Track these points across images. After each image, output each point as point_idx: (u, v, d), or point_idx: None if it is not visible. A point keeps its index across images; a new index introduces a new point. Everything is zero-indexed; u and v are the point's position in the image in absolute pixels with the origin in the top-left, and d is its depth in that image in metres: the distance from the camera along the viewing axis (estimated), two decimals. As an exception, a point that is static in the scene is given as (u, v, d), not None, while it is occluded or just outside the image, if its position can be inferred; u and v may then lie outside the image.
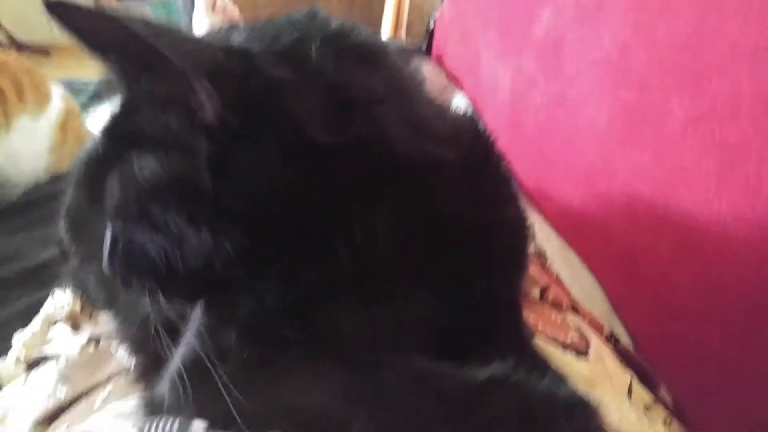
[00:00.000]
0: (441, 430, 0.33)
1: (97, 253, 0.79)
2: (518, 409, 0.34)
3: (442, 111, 0.52)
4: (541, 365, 0.48)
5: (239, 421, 0.36)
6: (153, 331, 0.54)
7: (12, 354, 0.76)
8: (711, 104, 0.79)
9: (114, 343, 0.70)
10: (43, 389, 0.67)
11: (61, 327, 0.76)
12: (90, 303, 0.82)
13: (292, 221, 0.42)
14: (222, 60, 0.41)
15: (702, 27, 0.81)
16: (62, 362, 0.68)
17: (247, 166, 0.41)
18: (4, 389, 0.73)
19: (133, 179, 0.43)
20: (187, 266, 0.42)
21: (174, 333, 0.51)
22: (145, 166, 0.42)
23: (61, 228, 0.90)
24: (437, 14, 2.01)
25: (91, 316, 0.80)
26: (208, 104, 0.40)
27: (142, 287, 0.46)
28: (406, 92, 0.48)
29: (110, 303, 0.72)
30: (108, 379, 0.62)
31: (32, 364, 0.73)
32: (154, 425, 0.38)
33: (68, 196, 0.88)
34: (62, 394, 0.65)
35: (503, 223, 0.52)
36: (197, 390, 0.41)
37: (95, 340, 0.72)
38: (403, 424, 0.34)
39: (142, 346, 0.61)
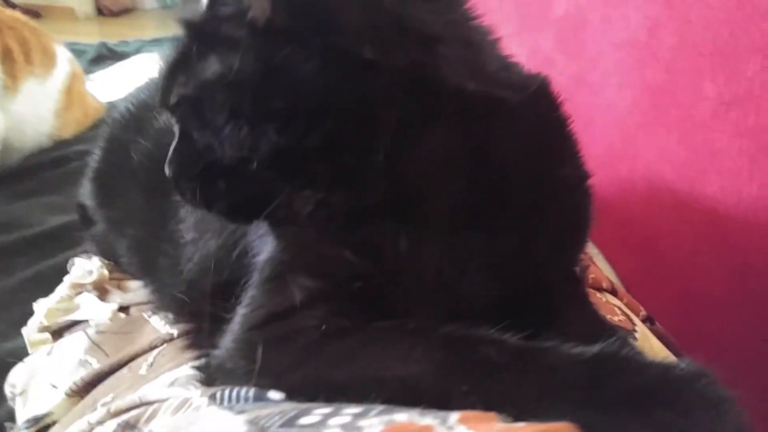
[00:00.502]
0: (561, 403, 0.32)
1: (132, 217, 0.78)
2: (644, 382, 0.33)
3: (510, 65, 0.51)
4: (626, 340, 0.48)
5: (323, 391, 0.36)
6: (207, 290, 0.55)
7: (35, 320, 0.74)
8: (747, 88, 0.78)
9: (148, 310, 0.69)
10: (71, 357, 0.65)
11: (87, 294, 0.74)
12: (120, 270, 0.80)
13: (327, 129, 0.43)
14: None
15: (741, 7, 0.80)
16: (92, 330, 0.67)
17: (289, 67, 0.43)
18: (27, 359, 0.71)
19: (193, 75, 0.46)
20: (227, 163, 0.45)
21: (228, 292, 0.51)
22: (204, 63, 0.45)
23: (85, 192, 0.88)
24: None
25: (119, 284, 0.78)
26: (257, 3, 0.42)
27: (190, 191, 0.49)
28: (471, 40, 0.48)
29: (146, 269, 0.72)
30: (151, 347, 0.61)
31: (57, 332, 0.72)
32: (227, 393, 0.37)
33: (96, 159, 0.87)
34: (94, 361, 0.63)
35: (565, 182, 0.51)
36: (270, 357, 0.40)
37: (125, 308, 0.71)
38: (516, 398, 0.33)
39: (189, 312, 0.60)
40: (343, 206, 0.46)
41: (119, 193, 0.79)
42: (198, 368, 0.47)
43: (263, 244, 0.51)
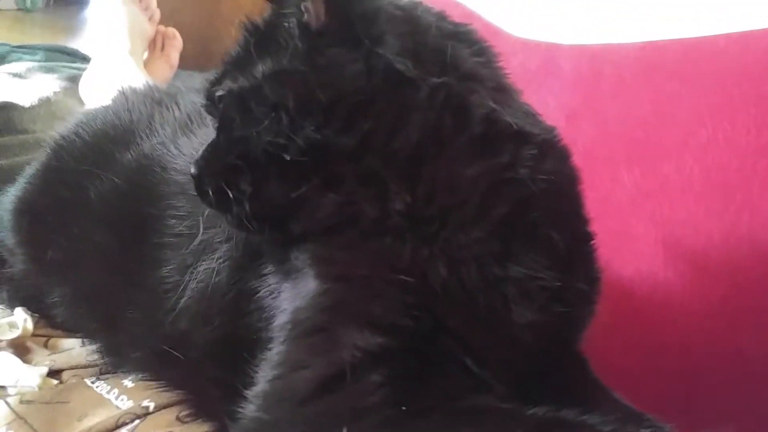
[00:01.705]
0: None
1: (84, 260, 0.67)
2: None
3: (536, 114, 0.55)
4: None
5: None
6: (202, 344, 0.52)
7: None
8: (662, 182, 0.88)
9: (89, 375, 0.59)
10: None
11: (3, 354, 0.61)
12: (47, 324, 0.68)
13: (363, 130, 0.46)
14: None
15: (657, 114, 0.91)
16: (14, 398, 0.55)
17: (336, 65, 0.47)
18: None
19: (246, 73, 0.50)
20: (259, 153, 0.47)
21: (230, 346, 0.50)
22: (259, 62, 0.50)
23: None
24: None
25: (47, 342, 0.66)
26: (313, 8, 0.48)
27: (212, 188, 0.50)
28: (503, 87, 0.53)
29: (102, 322, 0.63)
30: (117, 425, 0.51)
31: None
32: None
33: (22, 188, 0.74)
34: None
35: (585, 237, 0.54)
36: None
37: (56, 372, 0.60)
38: None
39: (181, 373, 0.54)
40: (368, 212, 0.47)
41: (61, 231, 0.69)
42: None
43: (286, 287, 0.49)
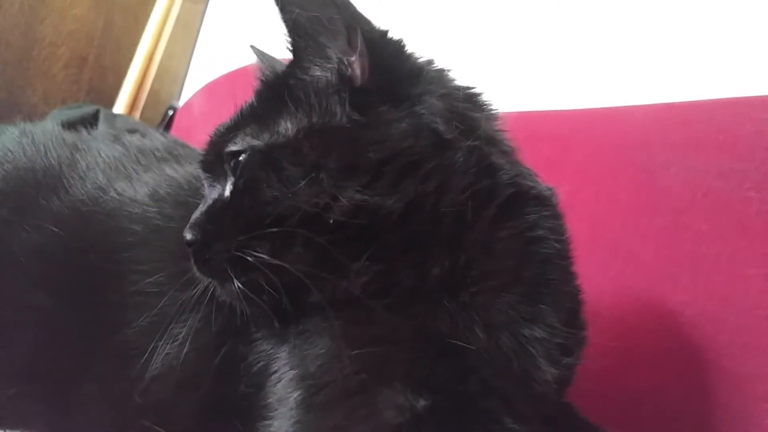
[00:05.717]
0: None
1: (18, 329, 0.50)
2: None
3: (534, 174, 0.56)
4: None
5: None
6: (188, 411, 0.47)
7: None
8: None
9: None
10: None
11: None
12: None
13: (411, 191, 0.45)
14: (378, 35, 0.48)
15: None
16: None
17: (385, 122, 0.46)
18: None
19: (266, 127, 0.46)
20: (295, 219, 0.43)
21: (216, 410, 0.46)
22: (282, 116, 0.47)
23: None
24: (178, 103, 1.94)
25: None
26: (359, 64, 0.46)
27: (218, 257, 0.44)
28: (508, 149, 0.54)
29: (48, 401, 0.51)
30: None
31: None
32: None
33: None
34: None
35: (577, 293, 0.55)
36: None
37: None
38: None
39: None
40: (404, 281, 0.45)
41: None
42: None
43: (282, 352, 0.45)
